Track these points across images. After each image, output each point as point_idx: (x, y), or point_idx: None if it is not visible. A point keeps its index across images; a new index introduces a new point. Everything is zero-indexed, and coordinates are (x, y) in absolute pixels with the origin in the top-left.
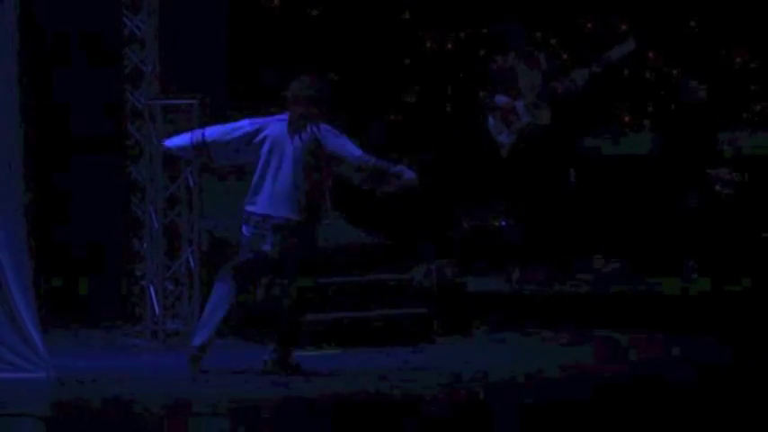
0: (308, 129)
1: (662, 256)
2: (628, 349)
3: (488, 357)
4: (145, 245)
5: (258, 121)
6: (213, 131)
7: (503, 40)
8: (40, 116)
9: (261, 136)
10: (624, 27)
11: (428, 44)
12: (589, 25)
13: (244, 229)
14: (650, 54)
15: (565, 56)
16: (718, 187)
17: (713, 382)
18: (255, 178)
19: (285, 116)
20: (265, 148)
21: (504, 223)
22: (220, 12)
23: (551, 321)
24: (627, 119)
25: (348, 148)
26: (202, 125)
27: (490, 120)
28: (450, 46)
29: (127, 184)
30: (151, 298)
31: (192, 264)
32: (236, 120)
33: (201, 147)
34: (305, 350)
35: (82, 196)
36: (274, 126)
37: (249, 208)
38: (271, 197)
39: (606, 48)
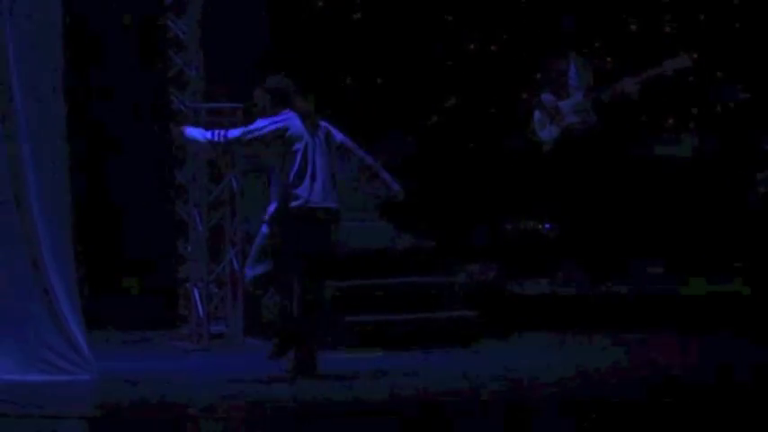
0: (320, 121)
1: (709, 258)
2: (672, 351)
3: (532, 359)
4: (189, 247)
5: (278, 118)
6: (235, 131)
7: (559, 31)
8: (84, 118)
9: (292, 131)
10: (668, 30)
11: (471, 46)
12: (634, 28)
13: (277, 225)
14: (695, 56)
15: (609, 60)
16: (762, 189)
17: (760, 386)
18: (293, 174)
19: (290, 113)
20: (299, 143)
21: (547, 226)
22: (263, 15)
23: (595, 323)
24: (671, 121)
25: (350, 142)
26: None
27: (536, 114)
28: (493, 48)
29: (171, 187)
30: (195, 300)
31: (235, 266)
32: None
33: (221, 144)
34: (349, 351)
35: (128, 200)
36: (294, 122)
37: (294, 203)
38: (315, 189)
39: (655, 56)
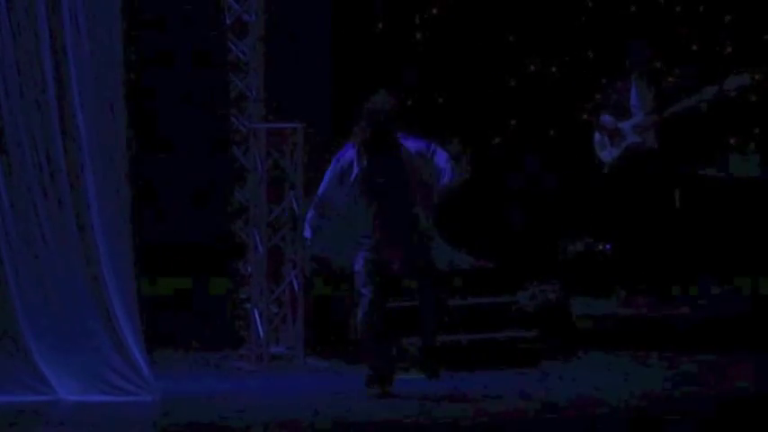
0: None
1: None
2: (734, 372)
3: (596, 380)
4: (249, 268)
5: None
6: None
7: (626, 57)
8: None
9: None
10: (729, 49)
11: (532, 67)
12: (695, 48)
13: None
14: (756, 76)
15: (671, 80)
16: None
17: None
18: None
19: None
20: None
21: (608, 246)
22: (324, 36)
23: (658, 344)
24: (732, 141)
25: None
26: (305, 151)
27: (596, 136)
28: (554, 69)
29: (231, 208)
30: (255, 321)
31: (295, 287)
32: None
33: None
34: (408, 373)
35: (190, 218)
36: None
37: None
38: None
39: (715, 73)
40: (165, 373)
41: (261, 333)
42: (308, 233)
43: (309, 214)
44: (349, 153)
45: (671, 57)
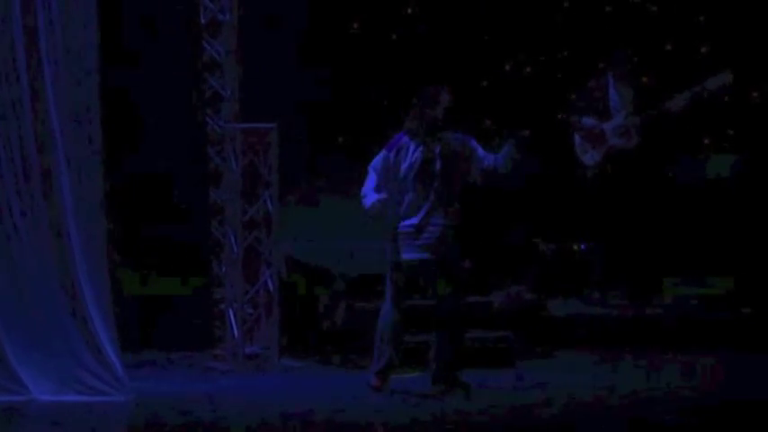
0: None
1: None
2: (706, 372)
3: (570, 379)
4: (224, 268)
5: None
6: None
7: (606, 62)
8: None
9: None
10: (704, 50)
11: (507, 67)
12: (669, 47)
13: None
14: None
15: (647, 80)
16: None
17: None
18: None
19: None
20: None
21: (583, 246)
22: (299, 36)
23: (632, 344)
24: (707, 141)
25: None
26: (280, 150)
27: (576, 139)
28: (528, 69)
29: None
30: (230, 321)
31: (270, 287)
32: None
33: None
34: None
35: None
36: None
37: None
38: None
39: (694, 74)
40: (140, 373)
41: (236, 333)
42: (370, 200)
43: (372, 197)
44: (404, 140)
45: (648, 57)
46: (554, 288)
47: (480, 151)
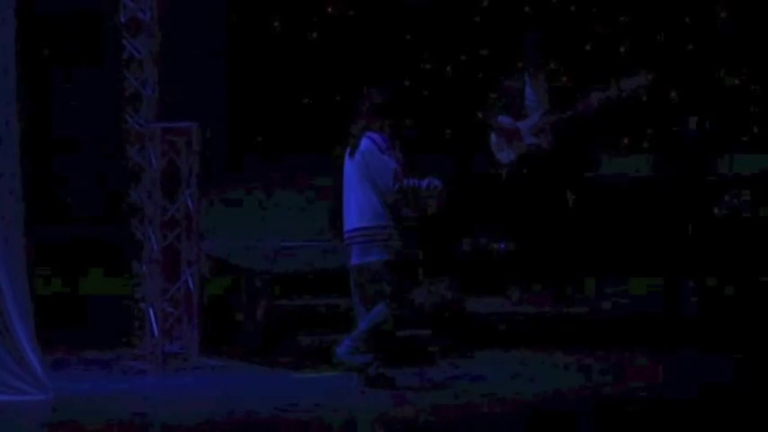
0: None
1: (660, 277)
2: (622, 370)
3: (490, 377)
4: (144, 267)
5: None
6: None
7: (521, 50)
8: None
9: None
10: (623, 50)
11: (427, 66)
12: (588, 48)
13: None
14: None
15: (565, 79)
16: (720, 210)
17: (709, 401)
18: None
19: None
20: None
21: (502, 245)
22: (219, 34)
23: (552, 342)
24: (626, 140)
25: None
26: (201, 149)
27: (493, 137)
28: (449, 68)
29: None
30: (150, 320)
31: (190, 286)
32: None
33: None
34: (303, 372)
35: (84, 218)
36: None
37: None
38: None
39: (612, 75)
40: (60, 372)
41: (155, 332)
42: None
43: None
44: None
45: (565, 57)
46: (475, 286)
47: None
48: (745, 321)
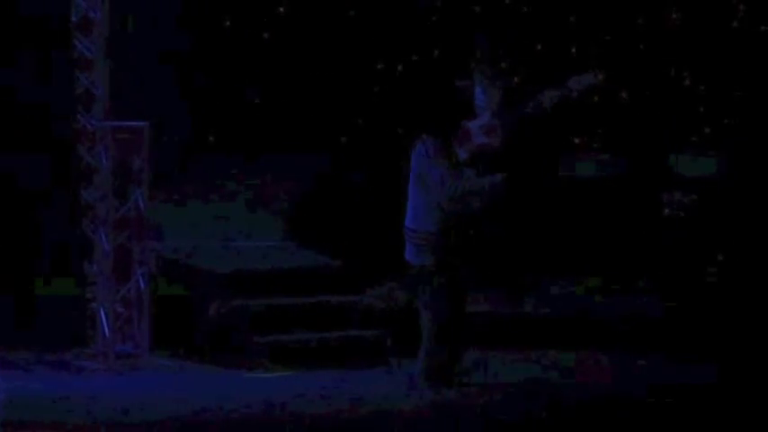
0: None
1: (615, 277)
2: (577, 369)
3: None
4: (95, 267)
5: None
6: None
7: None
8: None
9: None
10: (574, 50)
11: (379, 66)
12: (539, 47)
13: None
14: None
15: (516, 80)
16: (667, 210)
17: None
18: None
19: None
20: None
21: None
22: (172, 33)
23: (504, 342)
24: (577, 141)
25: None
26: (153, 148)
27: None
28: (400, 68)
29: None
30: (101, 320)
31: (142, 286)
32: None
33: None
34: (255, 372)
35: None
36: None
37: None
38: None
39: (562, 74)
40: (10, 373)
41: (107, 332)
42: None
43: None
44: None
45: (516, 57)
46: None
47: None
48: (694, 322)
